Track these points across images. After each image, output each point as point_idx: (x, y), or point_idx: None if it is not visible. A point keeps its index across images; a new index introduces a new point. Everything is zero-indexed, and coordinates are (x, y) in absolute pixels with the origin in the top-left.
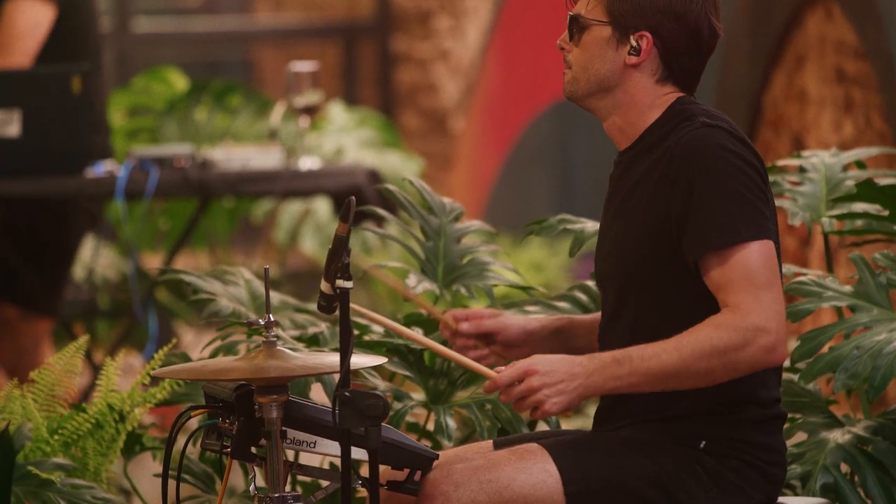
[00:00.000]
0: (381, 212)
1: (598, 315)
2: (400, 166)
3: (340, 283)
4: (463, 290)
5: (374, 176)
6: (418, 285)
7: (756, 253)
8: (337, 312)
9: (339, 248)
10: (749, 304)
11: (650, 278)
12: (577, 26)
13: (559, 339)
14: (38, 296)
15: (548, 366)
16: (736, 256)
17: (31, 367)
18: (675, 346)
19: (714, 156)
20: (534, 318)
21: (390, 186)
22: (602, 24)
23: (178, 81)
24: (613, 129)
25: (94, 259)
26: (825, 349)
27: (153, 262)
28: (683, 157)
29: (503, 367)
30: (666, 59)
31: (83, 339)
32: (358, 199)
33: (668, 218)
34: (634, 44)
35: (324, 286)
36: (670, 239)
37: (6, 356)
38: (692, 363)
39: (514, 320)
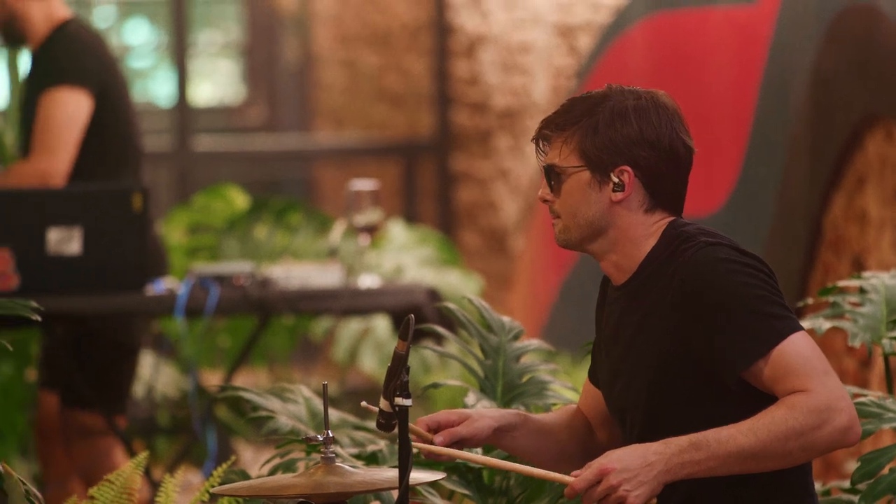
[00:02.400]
0: (441, 330)
1: (551, 418)
2: (459, 285)
3: (399, 400)
4: (522, 409)
5: (434, 294)
6: (477, 403)
7: (802, 343)
8: (396, 430)
9: (399, 366)
10: (816, 386)
11: (680, 403)
12: (554, 176)
13: (512, 436)
14: (103, 405)
15: (623, 461)
16: (785, 353)
17: (104, 476)
18: (751, 429)
19: (725, 270)
20: (496, 414)
21: (450, 305)
22: (579, 170)
23: (239, 199)
24: (610, 268)
25: (154, 376)
26: (885, 471)
27: (213, 379)
28: (693, 279)
29: (578, 471)
30: (650, 187)
31: (143, 456)
32: (417, 317)
33: (690, 343)
34: (616, 180)
35: (383, 404)
36: (695, 363)
37: (82, 464)
38: (769, 445)
39: (484, 423)
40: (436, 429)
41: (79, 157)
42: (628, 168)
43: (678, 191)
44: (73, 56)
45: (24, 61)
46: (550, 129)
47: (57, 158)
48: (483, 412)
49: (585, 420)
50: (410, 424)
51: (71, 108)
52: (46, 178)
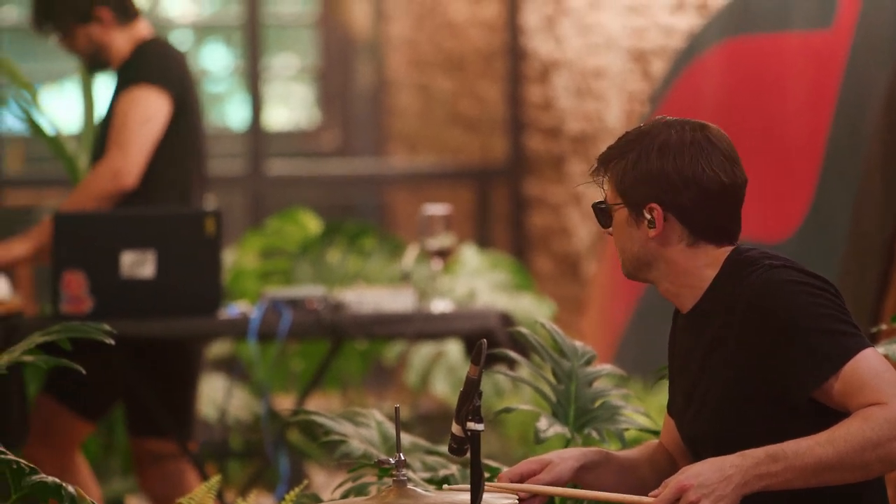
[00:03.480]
0: (513, 355)
1: (633, 453)
2: (532, 310)
3: (471, 425)
4: (594, 434)
5: (506, 319)
6: (549, 429)
7: (873, 358)
8: (468, 455)
9: (471, 390)
10: (891, 398)
11: (751, 426)
12: (601, 213)
13: (596, 473)
14: (172, 431)
15: (700, 476)
16: (857, 368)
17: (177, 501)
18: (829, 440)
19: (791, 291)
20: (577, 453)
21: (522, 329)
22: (619, 206)
23: (312, 223)
24: (669, 295)
25: (227, 400)
26: None
27: (285, 402)
28: (760, 302)
29: (656, 491)
30: (685, 222)
31: (215, 480)
32: (490, 341)
33: (759, 366)
34: (649, 217)
35: (455, 428)
36: (765, 385)
37: (156, 490)
38: (847, 456)
39: (565, 465)
40: (518, 481)
41: (151, 159)
42: (655, 205)
43: (722, 224)
44: (155, 60)
45: (105, 85)
46: (600, 165)
47: (130, 157)
48: (563, 454)
49: (668, 454)
50: (497, 483)
51: (149, 108)
52: (118, 177)
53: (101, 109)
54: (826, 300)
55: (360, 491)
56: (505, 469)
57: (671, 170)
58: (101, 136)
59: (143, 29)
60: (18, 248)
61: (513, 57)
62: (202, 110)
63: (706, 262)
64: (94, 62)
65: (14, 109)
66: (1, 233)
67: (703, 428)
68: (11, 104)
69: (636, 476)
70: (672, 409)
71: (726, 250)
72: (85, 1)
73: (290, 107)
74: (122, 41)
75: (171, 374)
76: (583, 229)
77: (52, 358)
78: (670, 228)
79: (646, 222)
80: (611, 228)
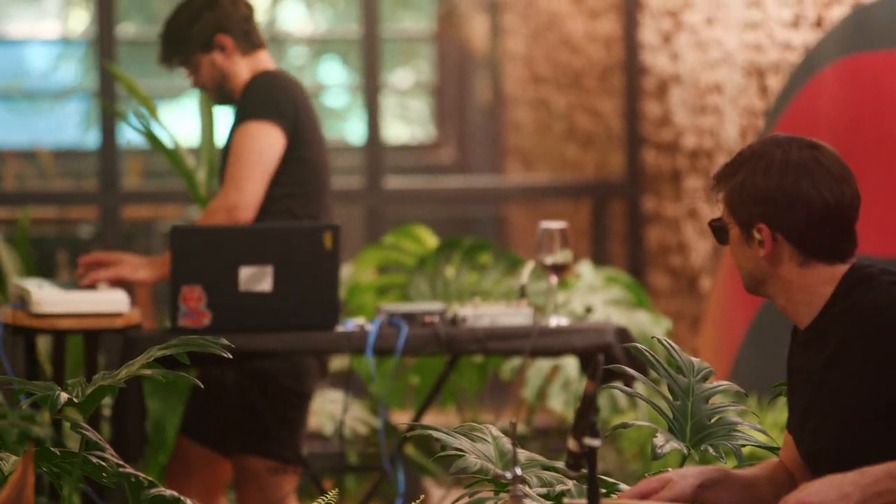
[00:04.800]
0: (630, 371)
1: (753, 472)
2: (648, 326)
3: (588, 441)
4: (711, 450)
5: (623, 334)
6: (666, 445)
7: None
8: (585, 471)
9: (587, 406)
10: None
11: (871, 442)
12: (717, 230)
13: (716, 491)
14: (283, 448)
15: (820, 493)
16: None
17: None
18: None
19: None
20: (696, 471)
21: (639, 345)
22: (731, 225)
23: (428, 238)
24: (786, 311)
25: (344, 414)
26: None
27: (402, 417)
28: (879, 317)
29: None
30: (794, 241)
31: (332, 494)
32: (606, 357)
33: (880, 380)
34: (758, 236)
35: (571, 444)
36: (885, 399)
37: None
38: None
39: (685, 483)
40: (640, 499)
41: (271, 191)
42: (763, 225)
43: (832, 243)
44: (266, 94)
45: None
46: (715, 182)
47: (245, 192)
48: (683, 472)
49: (788, 472)
50: (618, 501)
51: (262, 142)
52: (234, 212)
53: (218, 124)
54: None
55: None
56: (622, 485)
57: (776, 190)
58: (223, 164)
59: (264, 60)
60: (144, 272)
61: (630, 72)
62: (321, 134)
63: (821, 280)
64: (220, 94)
65: (133, 123)
66: (119, 246)
67: (822, 444)
68: (131, 118)
69: (756, 494)
70: (791, 425)
71: (842, 268)
72: (207, 29)
73: (406, 122)
74: (244, 70)
75: (280, 392)
76: (699, 245)
77: (171, 371)
78: (780, 248)
79: (756, 242)
80: (729, 246)
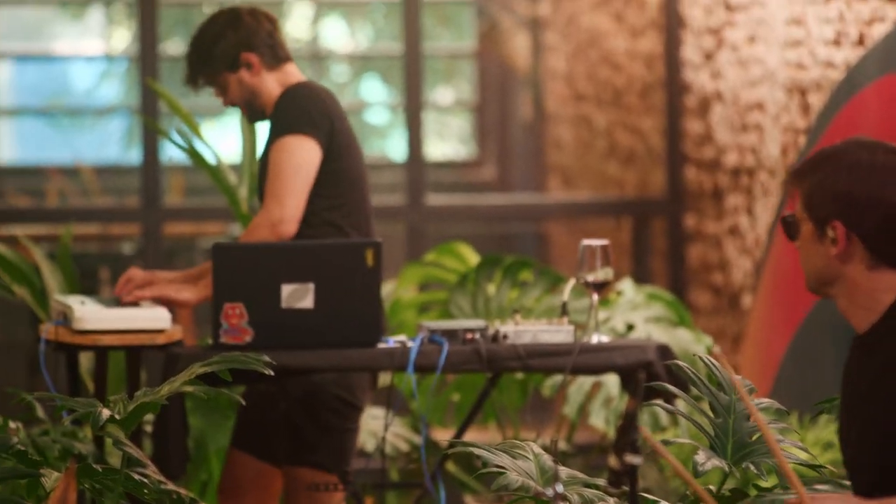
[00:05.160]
0: (672, 388)
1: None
2: (689, 344)
3: (630, 458)
4: (752, 468)
5: (665, 351)
6: (707, 462)
7: None
8: (626, 488)
9: (629, 423)
10: None
11: None
12: (788, 225)
13: None
14: (334, 458)
15: None
16: None
17: None
18: None
19: None
20: (837, 498)
21: (680, 363)
22: (805, 221)
23: (470, 256)
24: (846, 314)
25: (386, 430)
26: None
27: (443, 434)
28: None
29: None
30: (868, 243)
31: None
32: (648, 374)
33: None
34: (832, 234)
35: (613, 461)
36: None
37: None
38: None
39: None
40: None
41: (311, 204)
42: (839, 223)
43: None
44: (299, 107)
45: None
46: (790, 179)
47: (287, 206)
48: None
49: None
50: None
51: (300, 156)
52: (278, 226)
53: (260, 141)
54: None
55: None
56: (662, 503)
57: (859, 191)
58: (260, 180)
59: (292, 73)
60: (188, 293)
61: (672, 90)
62: (358, 144)
63: (885, 287)
64: (251, 111)
65: (176, 140)
66: (161, 263)
67: (861, 456)
68: (173, 135)
69: None
70: (839, 430)
71: None
72: (231, 48)
73: (446, 139)
74: (272, 85)
75: (331, 404)
76: (741, 262)
77: (213, 388)
78: (853, 248)
79: (829, 240)
80: (798, 242)
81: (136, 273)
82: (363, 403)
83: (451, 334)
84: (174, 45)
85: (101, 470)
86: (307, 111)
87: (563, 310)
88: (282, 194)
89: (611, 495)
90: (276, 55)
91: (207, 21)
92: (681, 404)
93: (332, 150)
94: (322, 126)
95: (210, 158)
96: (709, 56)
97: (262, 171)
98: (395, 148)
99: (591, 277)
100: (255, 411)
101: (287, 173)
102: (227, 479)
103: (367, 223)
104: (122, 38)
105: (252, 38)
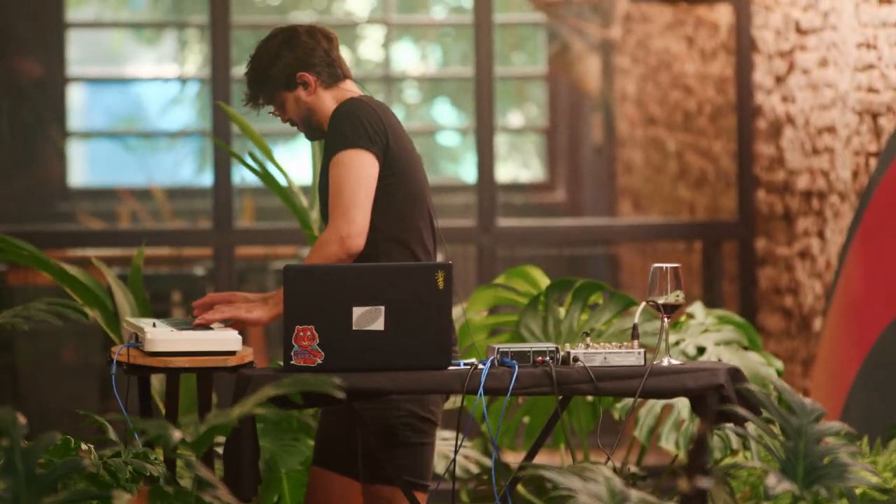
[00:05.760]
0: (742, 411)
1: None
2: (760, 367)
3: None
4: (823, 492)
5: (736, 374)
6: (778, 485)
7: None
8: None
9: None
10: None
11: None
12: None
13: None
14: (411, 474)
15: None
16: None
17: None
18: None
19: None
20: None
21: (751, 386)
22: None
23: (541, 279)
24: None
25: (456, 452)
26: None
27: (513, 456)
28: None
29: None
30: None
31: None
32: (719, 398)
33: None
34: None
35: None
36: None
37: None
38: None
39: None
40: None
41: (372, 218)
42: None
43: None
44: (353, 121)
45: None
46: None
47: (351, 220)
48: None
49: None
50: None
51: (359, 170)
52: (347, 241)
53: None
54: None
55: None
56: None
57: None
58: (322, 197)
59: (349, 90)
60: (259, 312)
61: (743, 113)
62: (416, 156)
63: None
64: (309, 129)
65: (248, 163)
66: (233, 286)
67: None
68: (246, 158)
69: None
70: None
71: None
72: (288, 67)
73: (517, 162)
74: (329, 103)
75: (408, 422)
76: (812, 286)
77: (284, 410)
78: None
79: None
80: None
81: (215, 295)
82: (438, 418)
83: (521, 357)
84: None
85: (172, 492)
86: (362, 125)
87: (634, 333)
88: (347, 209)
89: None
90: (334, 73)
91: (265, 40)
92: (751, 427)
93: (389, 164)
94: (377, 140)
95: (282, 181)
96: (780, 79)
97: (322, 189)
98: (467, 170)
99: (661, 300)
100: (335, 429)
101: (349, 187)
102: (312, 499)
103: (429, 236)
104: (195, 61)
105: (308, 57)
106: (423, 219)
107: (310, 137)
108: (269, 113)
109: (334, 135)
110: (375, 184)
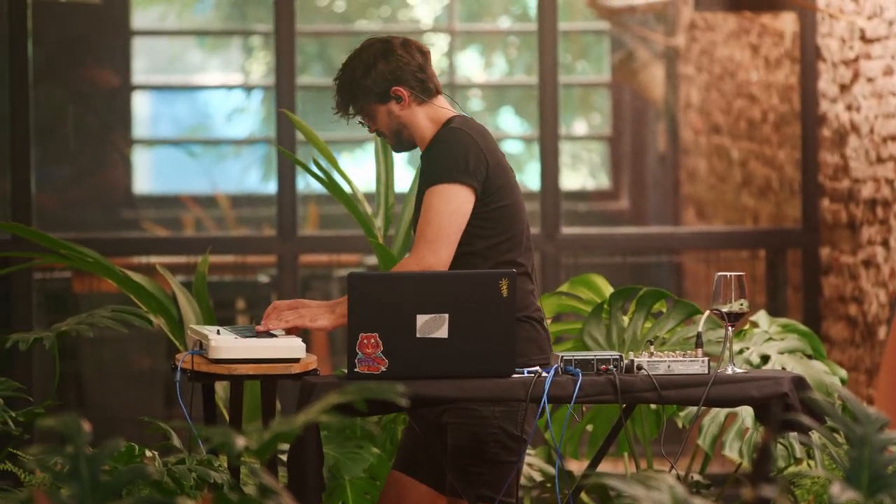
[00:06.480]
0: (806, 420)
1: None
2: (824, 376)
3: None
4: (888, 500)
5: (801, 383)
6: (843, 495)
7: None
8: None
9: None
10: None
11: None
12: None
13: None
14: (494, 495)
15: None
16: None
17: None
18: None
19: None
20: None
21: (815, 395)
22: None
23: (604, 286)
24: None
25: (522, 460)
26: None
27: (577, 464)
28: None
29: None
30: None
31: None
32: (783, 406)
33: None
34: None
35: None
36: None
37: None
38: None
39: None
40: None
41: (484, 244)
42: None
43: None
44: (455, 155)
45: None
46: None
47: (436, 252)
48: None
49: None
50: None
51: (453, 205)
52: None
53: (396, 172)
54: None
55: None
56: None
57: None
58: (416, 215)
59: (441, 106)
60: (323, 320)
61: (807, 122)
62: (513, 175)
63: None
64: (399, 142)
65: (313, 171)
66: (297, 293)
67: None
68: (311, 166)
69: None
70: None
71: None
72: (382, 80)
73: (580, 170)
74: (422, 119)
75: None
76: (876, 294)
77: (348, 418)
78: None
79: None
80: None
81: (280, 303)
82: (528, 436)
83: (585, 365)
84: (311, 77)
85: (236, 499)
86: (464, 157)
87: (698, 341)
88: (434, 240)
89: None
90: (427, 88)
91: (359, 50)
92: (816, 436)
93: (492, 192)
94: (478, 173)
95: (346, 189)
96: (844, 88)
97: (416, 211)
98: (531, 178)
99: (725, 309)
100: (422, 438)
101: (440, 220)
102: (386, 502)
103: (531, 252)
104: (260, 69)
105: (403, 71)
106: (526, 236)
107: (398, 150)
108: (359, 123)
109: (433, 164)
110: (467, 220)
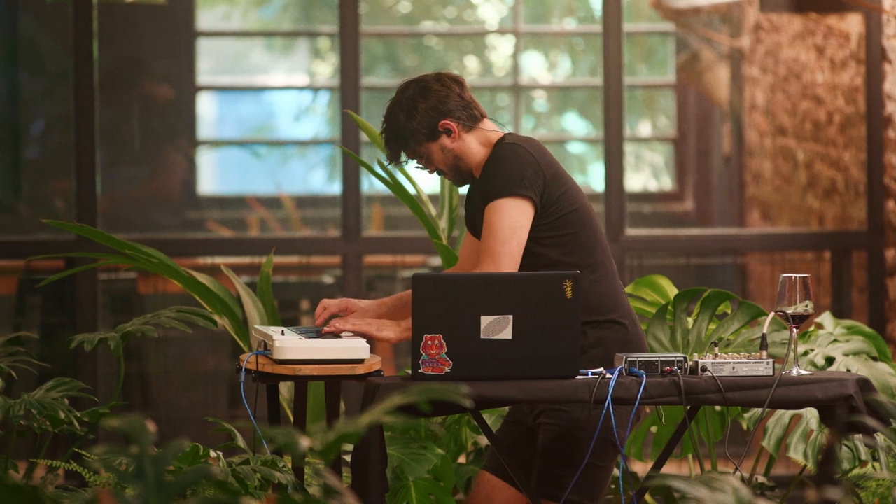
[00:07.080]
0: (872, 422)
1: None
2: (889, 378)
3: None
4: None
5: (866, 385)
6: None
7: None
8: None
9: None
10: None
11: None
12: None
13: None
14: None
15: None
16: None
17: None
18: None
19: None
20: None
21: (880, 397)
22: None
23: (669, 288)
24: None
25: (584, 463)
26: None
27: (641, 466)
28: None
29: None
30: None
31: None
32: (848, 408)
33: None
34: None
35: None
36: None
37: None
38: None
39: None
40: None
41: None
42: None
43: None
44: (511, 169)
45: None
46: None
47: (500, 266)
48: None
49: None
50: None
51: (514, 219)
52: None
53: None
54: None
55: None
56: None
57: None
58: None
59: (490, 129)
60: (389, 332)
61: (873, 123)
62: (572, 182)
63: None
64: (458, 175)
65: (378, 172)
66: (361, 293)
67: None
68: (375, 167)
69: None
70: None
71: None
72: (428, 119)
73: (645, 171)
74: (474, 146)
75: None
76: None
77: (412, 419)
78: None
79: None
80: None
81: (329, 301)
82: (623, 441)
83: (649, 366)
84: (376, 78)
85: (300, 500)
86: (520, 171)
87: (763, 343)
88: (497, 256)
89: None
90: (472, 115)
91: (396, 96)
92: (881, 438)
93: (554, 201)
94: (535, 185)
95: (410, 190)
96: None
97: (477, 222)
98: (595, 180)
99: (790, 311)
100: (512, 438)
101: (502, 235)
102: (476, 502)
103: (607, 251)
104: (327, 70)
105: (444, 104)
106: (602, 239)
107: (459, 183)
108: (415, 167)
109: (490, 180)
110: (527, 232)
